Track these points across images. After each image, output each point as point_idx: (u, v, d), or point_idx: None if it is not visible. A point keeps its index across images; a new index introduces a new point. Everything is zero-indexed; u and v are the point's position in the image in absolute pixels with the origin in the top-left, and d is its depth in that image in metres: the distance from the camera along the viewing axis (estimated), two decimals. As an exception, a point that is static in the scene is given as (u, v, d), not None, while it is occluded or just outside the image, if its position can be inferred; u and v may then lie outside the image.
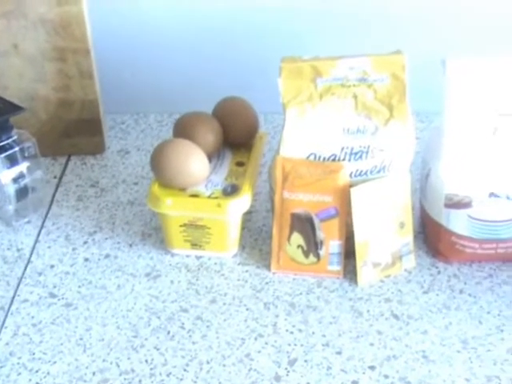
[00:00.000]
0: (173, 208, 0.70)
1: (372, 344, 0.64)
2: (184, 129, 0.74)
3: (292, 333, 0.65)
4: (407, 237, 0.71)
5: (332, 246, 0.70)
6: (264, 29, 0.87)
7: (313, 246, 0.70)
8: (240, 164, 0.75)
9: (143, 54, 0.90)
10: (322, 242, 0.70)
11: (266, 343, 0.64)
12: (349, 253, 0.70)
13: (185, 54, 0.90)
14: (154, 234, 0.76)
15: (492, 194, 0.69)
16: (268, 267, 0.72)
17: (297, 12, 0.86)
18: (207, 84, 0.89)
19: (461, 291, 0.69)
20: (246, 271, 0.72)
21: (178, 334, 0.65)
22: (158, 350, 0.64)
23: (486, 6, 0.85)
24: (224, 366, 0.63)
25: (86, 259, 0.74)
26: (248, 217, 0.78)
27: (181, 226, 0.71)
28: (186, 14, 0.88)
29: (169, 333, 0.66)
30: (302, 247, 0.71)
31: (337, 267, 0.71)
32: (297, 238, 0.71)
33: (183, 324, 0.66)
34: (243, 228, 0.76)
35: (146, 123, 0.94)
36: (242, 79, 0.89)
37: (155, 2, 0.88)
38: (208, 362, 0.63)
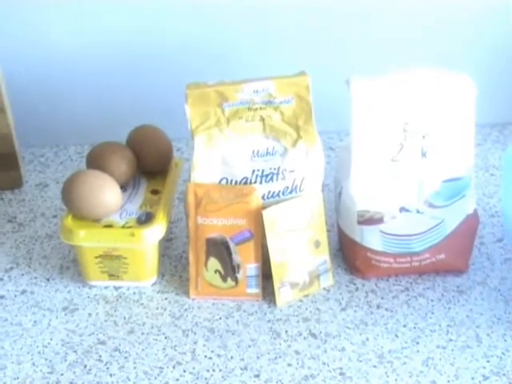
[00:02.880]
0: (86, 240, 0.69)
1: (290, 364, 0.64)
2: (96, 159, 0.74)
3: (210, 358, 0.65)
4: (323, 255, 0.72)
5: (249, 268, 0.70)
6: (175, 56, 0.88)
7: (230, 270, 0.70)
8: (155, 192, 0.75)
9: (58, 86, 0.90)
10: (238, 266, 0.70)
11: (185, 371, 0.64)
12: (267, 274, 0.71)
13: (100, 83, 0.90)
14: (72, 266, 0.75)
15: (402, 209, 0.70)
16: (187, 294, 0.72)
17: (202, 38, 0.87)
18: (122, 113, 0.89)
19: (378, 306, 0.70)
20: (165, 299, 0.71)
21: (95, 367, 0.64)
22: (74, 385, 0.63)
23: (388, 25, 0.88)
24: (142, 396, 0.62)
25: (2, 296, 0.72)
26: (168, 244, 0.78)
27: (96, 257, 0.70)
28: (97, 44, 0.88)
29: (85, 366, 0.65)
30: (219, 272, 0.71)
31: (255, 290, 0.71)
32: (214, 263, 0.71)
33: (100, 357, 0.65)
34: (163, 255, 0.76)
35: (66, 155, 0.93)
36: (159, 106, 0.90)
37: (65, 30, 0.87)
38: (126, 394, 0.62)
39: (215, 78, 0.70)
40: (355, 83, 0.68)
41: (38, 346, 0.67)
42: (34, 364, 0.65)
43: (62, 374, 0.64)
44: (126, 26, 0.88)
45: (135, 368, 0.64)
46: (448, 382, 0.62)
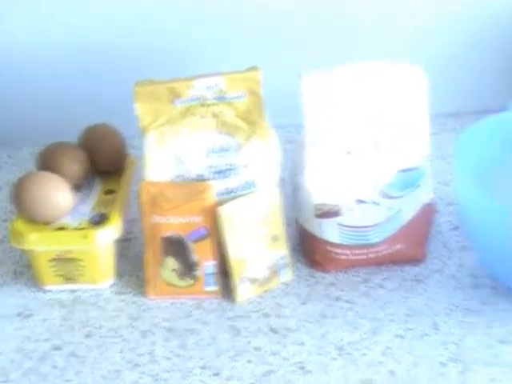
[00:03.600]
0: (38, 243, 0.68)
1: (250, 361, 0.64)
2: (47, 160, 0.72)
3: (169, 359, 0.64)
4: (282, 250, 0.72)
5: (207, 266, 0.70)
6: (126, 53, 0.86)
7: (187, 268, 0.70)
8: (109, 192, 0.73)
9: (7, 86, 0.88)
10: (196, 264, 0.70)
11: (143, 373, 0.63)
12: (226, 271, 0.70)
13: (51, 83, 0.88)
14: (27, 271, 0.74)
15: (359, 201, 0.70)
16: (145, 294, 0.71)
17: (153, 36, 0.86)
18: (76, 113, 0.87)
19: (337, 298, 0.70)
20: (123, 300, 0.70)
21: (51, 373, 0.63)
22: (29, 392, 0.62)
23: (339, 18, 0.88)
24: (100, 401, 0.61)
25: (-46, 305, 0.71)
26: (126, 244, 0.76)
27: (49, 261, 0.69)
28: (48, 42, 0.86)
29: (41, 374, 0.63)
30: (176, 270, 0.70)
31: (214, 287, 0.70)
32: (171, 262, 0.70)
33: (56, 362, 0.64)
34: (120, 256, 0.75)
35: (19, 157, 0.91)
36: (115, 105, 0.88)
37: (14, 29, 0.86)
38: (83, 399, 0.61)
39: (167, 75, 0.69)
40: (306, 77, 0.68)
41: (-8, 354, 0.65)
42: (-12, 373, 0.64)
43: (16, 383, 0.62)
44: (76, 24, 0.86)
45: (92, 372, 0.63)
46: (407, 370, 0.62)
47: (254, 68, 0.68)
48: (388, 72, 0.69)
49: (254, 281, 0.71)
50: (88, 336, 0.67)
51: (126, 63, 0.87)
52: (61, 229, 0.68)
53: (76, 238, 0.68)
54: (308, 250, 0.75)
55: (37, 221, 0.68)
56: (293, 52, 0.88)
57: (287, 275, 0.72)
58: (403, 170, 0.69)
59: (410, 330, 0.66)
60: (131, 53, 0.87)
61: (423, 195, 0.72)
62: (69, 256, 0.68)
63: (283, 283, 0.72)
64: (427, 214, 0.73)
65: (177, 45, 0.86)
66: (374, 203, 0.70)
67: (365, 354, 0.64)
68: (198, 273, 0.70)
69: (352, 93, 0.68)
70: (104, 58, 0.87)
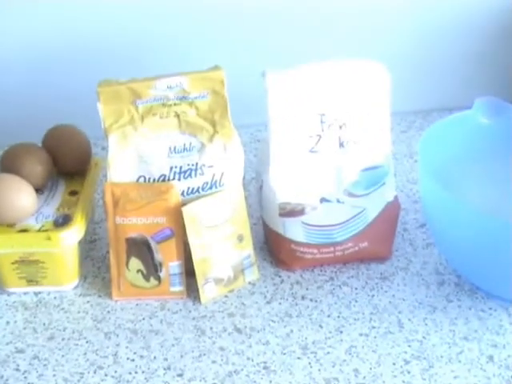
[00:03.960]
0: (1, 246, 0.67)
1: (214, 361, 0.64)
2: (10, 162, 0.71)
3: (133, 360, 0.64)
4: (247, 249, 0.72)
5: (172, 266, 0.69)
6: (89, 54, 0.86)
7: (152, 269, 0.69)
8: (73, 193, 0.73)
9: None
10: (161, 264, 0.69)
11: (106, 375, 0.63)
12: (191, 271, 0.70)
13: (13, 83, 0.87)
14: (-10, 273, 0.73)
15: (323, 199, 0.70)
16: (110, 296, 0.70)
17: (114, 36, 0.85)
18: (40, 113, 0.86)
19: (303, 297, 0.70)
20: (87, 302, 0.70)
21: (13, 376, 0.63)
22: (-9, 396, 0.61)
23: (302, 17, 0.88)
24: (62, 404, 0.61)
25: None
26: (91, 245, 0.76)
27: (12, 263, 0.68)
28: (11, 42, 0.85)
29: (2, 377, 0.62)
30: (141, 271, 0.69)
31: (179, 288, 0.70)
32: (135, 263, 0.69)
33: (18, 366, 0.63)
34: (86, 257, 0.74)
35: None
36: (79, 105, 0.87)
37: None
38: (46, 402, 0.61)
39: (131, 74, 0.69)
40: (270, 76, 0.68)
41: (-47, 358, 0.65)
42: (-51, 377, 0.63)
43: (-22, 386, 0.62)
44: (39, 24, 0.85)
45: (54, 375, 0.63)
46: (370, 369, 0.62)
47: (216, 67, 0.68)
48: (351, 70, 0.69)
49: (218, 281, 0.70)
50: (51, 338, 0.66)
51: (92, 62, 0.86)
52: (24, 231, 0.67)
53: (39, 240, 0.67)
54: (273, 249, 0.75)
55: (0, 222, 0.68)
56: (256, 50, 0.88)
57: (253, 275, 0.72)
58: (367, 169, 0.70)
59: (375, 328, 0.66)
60: (97, 52, 0.86)
61: (387, 193, 0.72)
62: (32, 258, 0.68)
63: (249, 283, 0.72)
64: (392, 211, 0.73)
65: (140, 43, 0.85)
66: (338, 202, 0.70)
67: (329, 353, 0.64)
68: (163, 273, 0.69)
69: (316, 91, 0.68)
70: (69, 57, 0.86)
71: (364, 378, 0.62)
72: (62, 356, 0.64)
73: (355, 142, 0.69)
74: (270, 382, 0.62)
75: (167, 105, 0.67)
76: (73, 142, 0.75)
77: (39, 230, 0.68)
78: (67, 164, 0.74)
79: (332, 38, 0.88)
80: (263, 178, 0.72)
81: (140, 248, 0.69)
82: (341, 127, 0.69)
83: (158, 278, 0.70)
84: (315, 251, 0.72)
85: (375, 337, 0.65)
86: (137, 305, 0.69)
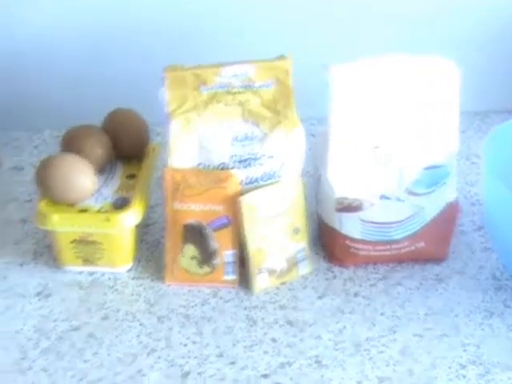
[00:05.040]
0: (61, 224, 0.68)
1: (266, 352, 0.63)
2: (71, 143, 0.72)
3: (185, 345, 0.64)
4: (302, 242, 0.71)
5: (226, 255, 0.69)
6: (152, 38, 0.86)
7: (207, 256, 0.69)
8: (131, 176, 0.73)
9: (31, 68, 0.88)
10: (215, 252, 0.69)
11: (159, 358, 0.63)
12: (245, 261, 0.70)
13: (75, 66, 0.89)
14: (47, 252, 0.74)
15: (382, 196, 0.69)
16: (163, 280, 0.70)
17: (180, 21, 0.85)
18: (99, 97, 0.87)
19: (355, 294, 0.69)
20: (141, 285, 0.70)
21: (69, 353, 0.63)
22: (46, 371, 0.62)
23: (372, 9, 0.87)
24: (115, 383, 0.61)
25: (-26, 281, 0.71)
26: (145, 229, 0.76)
27: (71, 242, 0.69)
28: (75, 24, 0.86)
29: (59, 353, 0.63)
30: (196, 258, 0.70)
31: (232, 276, 0.70)
32: (190, 249, 0.69)
33: (74, 343, 0.64)
34: (140, 241, 0.75)
35: (41, 139, 0.91)
36: (139, 90, 0.88)
37: (40, 11, 0.85)
38: (99, 380, 0.61)
39: (193, 62, 0.69)
40: (334, 68, 0.67)
41: (10, 332, 0.65)
42: (5, 349, 0.64)
43: (34, 361, 0.63)
44: (104, 6, 0.86)
45: (109, 355, 0.63)
46: (425, 370, 0.61)
47: (282, 57, 0.68)
48: (419, 65, 0.67)
49: (272, 272, 0.70)
50: (105, 318, 0.67)
51: (155, 47, 0.87)
52: (83, 211, 0.68)
53: (99, 221, 0.67)
54: (327, 243, 0.74)
55: (60, 202, 0.68)
56: (320, 42, 0.87)
57: (306, 268, 0.72)
58: (430, 167, 0.69)
59: (429, 329, 0.65)
60: (162, 37, 0.86)
61: (448, 194, 0.71)
62: (90, 238, 0.68)
63: (301, 276, 0.71)
64: (451, 213, 0.72)
65: (206, 31, 0.85)
66: (398, 200, 0.69)
67: (382, 352, 0.63)
68: (217, 261, 0.69)
69: (381, 86, 0.67)
70: (132, 43, 0.87)
71: (418, 379, 0.61)
72: (116, 336, 0.65)
73: (419, 139, 0.68)
74: (322, 376, 0.61)
75: (231, 92, 0.67)
76: (132, 126, 0.76)
77: (98, 211, 0.68)
78: (126, 147, 0.75)
79: (399, 32, 0.87)
80: (321, 172, 0.71)
81: (196, 234, 0.69)
82: (405, 123, 0.68)
83: (212, 266, 0.70)
84: (370, 248, 0.72)
85: (430, 339, 0.64)
86: (189, 291, 0.70)
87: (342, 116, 0.67)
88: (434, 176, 0.69)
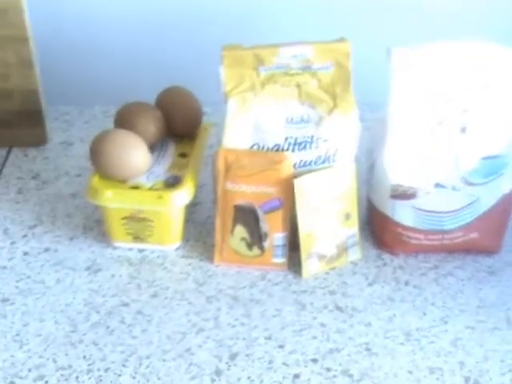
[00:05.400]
0: (113, 200, 0.68)
1: (315, 337, 0.63)
2: (125, 119, 0.72)
3: (234, 326, 0.64)
4: (353, 228, 0.71)
5: (276, 238, 0.69)
6: (207, 16, 0.85)
7: (257, 238, 0.69)
8: (183, 155, 0.73)
9: (87, 43, 0.88)
10: (266, 234, 0.69)
11: (208, 337, 0.63)
12: (294, 245, 0.69)
13: (129, 43, 0.88)
14: (96, 226, 0.74)
15: (438, 185, 0.68)
16: (212, 260, 0.70)
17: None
18: (153, 74, 0.87)
19: (406, 283, 0.69)
20: (189, 264, 0.70)
21: (118, 328, 0.64)
22: (96, 345, 0.62)
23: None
24: (164, 360, 0.61)
25: (25, 253, 0.71)
26: (193, 209, 0.76)
27: (122, 218, 0.69)
28: (127, 2, 0.86)
29: (108, 328, 0.64)
30: (245, 239, 0.69)
31: (281, 260, 0.69)
32: (240, 231, 0.69)
33: (123, 319, 0.65)
34: (188, 220, 0.74)
35: (91, 114, 0.91)
36: (191, 68, 0.87)
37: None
38: (148, 357, 0.61)
39: (251, 41, 0.68)
40: (396, 52, 0.66)
41: (60, 305, 0.66)
42: (56, 322, 0.64)
43: (84, 334, 0.63)
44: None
45: (158, 332, 0.63)
46: (477, 363, 0.61)
47: (342, 39, 0.67)
48: (480, 52, 0.66)
49: (321, 257, 0.70)
50: (154, 296, 0.67)
51: (205, 26, 0.86)
52: (136, 188, 0.68)
53: (151, 199, 0.67)
54: (377, 230, 0.73)
55: (113, 178, 0.68)
56: (381, 26, 0.85)
57: (356, 254, 0.71)
58: (488, 157, 0.67)
59: (481, 322, 0.64)
60: (214, 18, 0.85)
61: (504, 185, 0.69)
62: (141, 215, 0.68)
63: (350, 262, 0.71)
64: (507, 204, 0.70)
65: (263, 11, 0.84)
66: (453, 189, 0.68)
67: (433, 342, 0.62)
68: (267, 244, 0.69)
69: (441, 72, 0.66)
70: (186, 23, 0.86)
71: (470, 371, 0.60)
72: (165, 314, 0.65)
73: (478, 128, 0.67)
74: (372, 364, 0.61)
75: (289, 74, 0.66)
76: (185, 105, 0.75)
77: (151, 189, 0.68)
78: (178, 126, 0.75)
79: (462, 17, 0.85)
80: (376, 157, 0.70)
81: (247, 216, 0.69)
82: (464, 111, 0.66)
83: (262, 248, 0.69)
84: (422, 237, 0.70)
85: (482, 331, 0.63)
86: (238, 272, 0.69)
87: (401, 101, 0.66)
88: (492, 166, 0.68)
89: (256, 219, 0.68)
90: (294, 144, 0.67)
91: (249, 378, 0.60)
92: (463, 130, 0.67)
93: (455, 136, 0.67)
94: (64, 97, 0.91)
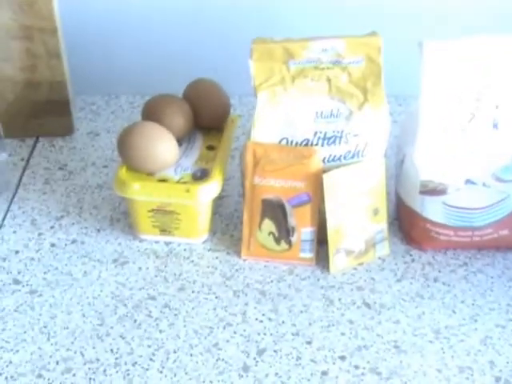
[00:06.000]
0: (140, 193, 0.68)
1: (343, 333, 0.63)
2: (153, 111, 0.72)
3: (261, 321, 0.64)
4: (381, 224, 0.70)
5: (304, 232, 0.68)
6: (237, 9, 0.85)
7: (284, 232, 0.69)
8: (211, 148, 0.73)
9: (114, 34, 0.88)
10: (293, 229, 0.68)
11: (235, 332, 0.63)
12: (322, 240, 0.69)
13: (157, 34, 0.88)
14: (123, 218, 0.74)
15: (468, 181, 0.67)
16: (238, 254, 0.70)
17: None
18: (180, 65, 0.86)
19: (435, 279, 0.68)
20: (216, 258, 0.70)
21: (145, 322, 0.64)
22: (123, 338, 0.62)
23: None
24: (191, 355, 0.61)
25: (53, 244, 0.72)
26: (219, 202, 0.76)
27: (149, 211, 0.69)
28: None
29: (135, 321, 0.64)
30: (273, 234, 0.69)
31: (309, 254, 0.69)
32: (268, 225, 0.69)
33: (150, 312, 0.65)
34: (214, 213, 0.74)
35: (117, 105, 0.91)
36: (217, 60, 0.87)
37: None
38: (175, 352, 0.61)
39: (281, 34, 0.67)
40: (428, 46, 0.65)
41: (87, 297, 0.66)
42: (83, 315, 0.64)
43: (111, 327, 0.63)
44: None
45: (185, 326, 0.63)
46: (507, 362, 0.60)
47: (374, 33, 0.66)
48: (513, 47, 0.65)
49: (349, 252, 0.69)
50: (181, 289, 0.67)
51: (234, 19, 0.85)
52: (163, 181, 0.68)
53: (178, 192, 0.67)
54: (406, 226, 0.72)
55: (141, 170, 0.68)
56: (412, 19, 0.84)
57: (384, 250, 0.70)
58: (520, 154, 0.66)
59: (512, 320, 0.64)
60: (245, 10, 0.84)
61: (536, 182, 0.68)
62: (168, 208, 0.68)
63: (378, 258, 0.70)
64: (538, 201, 0.69)
65: (294, 4, 0.83)
66: (484, 185, 0.67)
67: (463, 341, 0.62)
68: (295, 238, 0.69)
69: (474, 66, 0.65)
70: (217, 14, 0.85)
71: (500, 371, 0.59)
72: (192, 308, 0.65)
73: (510, 124, 0.66)
74: (401, 362, 0.60)
75: (320, 68, 0.65)
76: (213, 97, 0.75)
77: (178, 182, 0.68)
78: (206, 118, 0.74)
79: (496, 12, 0.84)
80: (406, 152, 0.69)
81: (275, 210, 0.68)
82: (497, 107, 0.65)
83: (289, 243, 0.69)
84: (451, 233, 0.70)
85: (512, 330, 0.63)
86: (265, 266, 0.69)
87: (432, 95, 0.65)
88: (524, 163, 0.67)
89: (284, 213, 0.68)
90: (324, 139, 0.66)
91: (276, 374, 0.59)
92: (496, 125, 0.66)
93: (487, 132, 0.66)
94: (91, 87, 0.91)
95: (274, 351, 0.61)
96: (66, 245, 0.71)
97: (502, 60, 0.65)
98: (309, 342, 0.62)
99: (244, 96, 0.87)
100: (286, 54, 0.65)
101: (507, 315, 0.64)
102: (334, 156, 0.67)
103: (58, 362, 0.61)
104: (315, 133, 0.66)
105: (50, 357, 0.61)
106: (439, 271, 0.69)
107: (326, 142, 0.67)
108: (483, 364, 0.60)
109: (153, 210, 0.69)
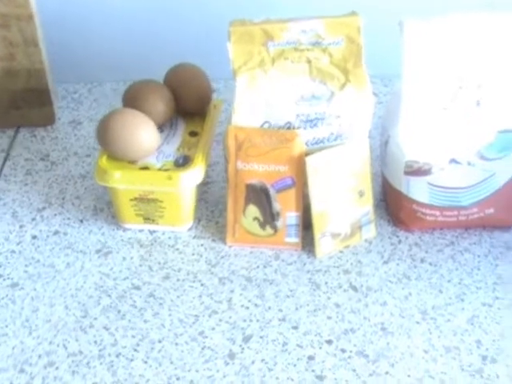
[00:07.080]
0: (121, 181, 0.67)
1: (329, 317, 0.62)
2: (133, 98, 0.70)
3: (247, 308, 0.63)
4: (367, 206, 0.69)
5: (289, 217, 0.68)
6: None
7: (269, 217, 0.68)
8: (193, 134, 0.72)
9: (94, 20, 0.86)
10: (278, 214, 0.68)
11: (221, 320, 0.62)
12: (308, 224, 0.68)
13: (137, 19, 0.86)
14: (106, 208, 0.73)
15: (452, 161, 0.67)
16: (224, 240, 0.69)
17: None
18: (164, 51, 0.85)
19: (422, 260, 0.67)
20: (202, 245, 0.69)
21: (129, 312, 0.63)
22: (107, 329, 0.62)
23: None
24: (176, 344, 0.60)
25: (34, 237, 0.71)
26: (204, 188, 0.75)
27: (131, 200, 0.68)
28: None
29: (119, 312, 0.63)
30: (258, 219, 0.68)
31: (295, 239, 0.68)
32: (252, 210, 0.68)
33: (135, 302, 0.64)
34: (199, 200, 0.73)
35: (101, 92, 0.90)
36: (201, 45, 0.86)
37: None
38: (160, 341, 0.61)
39: (260, 16, 0.66)
40: (409, 25, 0.64)
41: (70, 289, 0.65)
42: (66, 307, 0.64)
43: (95, 319, 0.63)
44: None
45: (170, 315, 0.63)
46: (493, 341, 0.60)
47: (353, 13, 0.65)
48: (497, 25, 0.64)
49: (335, 235, 0.68)
50: (166, 278, 0.66)
51: (214, 3, 0.84)
52: (145, 168, 0.67)
53: (160, 179, 0.66)
54: (392, 207, 0.72)
55: (121, 158, 0.67)
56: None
57: (370, 232, 0.70)
58: (504, 131, 0.65)
59: (498, 298, 0.63)
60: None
61: (521, 159, 0.68)
62: (151, 196, 0.67)
63: (365, 240, 0.69)
64: (524, 179, 0.69)
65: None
66: (468, 164, 0.66)
67: (449, 321, 0.62)
68: (280, 223, 0.68)
69: (456, 44, 0.64)
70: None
71: (487, 350, 0.59)
72: (177, 297, 0.64)
73: (493, 102, 0.65)
74: (388, 343, 0.60)
75: (299, 49, 0.64)
76: (195, 82, 0.74)
77: (160, 169, 0.67)
78: (188, 104, 0.73)
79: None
80: (390, 133, 0.68)
81: (259, 195, 0.67)
82: (479, 86, 0.65)
83: (274, 228, 0.68)
84: (437, 213, 0.69)
85: (499, 308, 0.62)
86: (251, 252, 0.69)
87: (414, 75, 0.64)
88: (507, 140, 0.66)
89: (268, 198, 0.67)
90: (306, 121, 0.66)
91: (263, 360, 0.59)
92: (478, 103, 0.65)
93: (470, 110, 0.65)
94: (73, 75, 0.89)
95: (260, 337, 0.61)
96: (47, 236, 0.71)
97: (483, 38, 0.64)
98: (295, 327, 0.61)
99: (229, 80, 0.85)
100: (265, 35, 0.64)
101: (493, 293, 0.64)
102: (318, 139, 0.66)
103: (40, 356, 0.60)
104: (297, 115, 0.65)
105: (32, 351, 0.60)
106: (426, 252, 0.68)
107: (308, 124, 0.66)
108: (470, 343, 0.60)
109: (135, 199, 0.68)
